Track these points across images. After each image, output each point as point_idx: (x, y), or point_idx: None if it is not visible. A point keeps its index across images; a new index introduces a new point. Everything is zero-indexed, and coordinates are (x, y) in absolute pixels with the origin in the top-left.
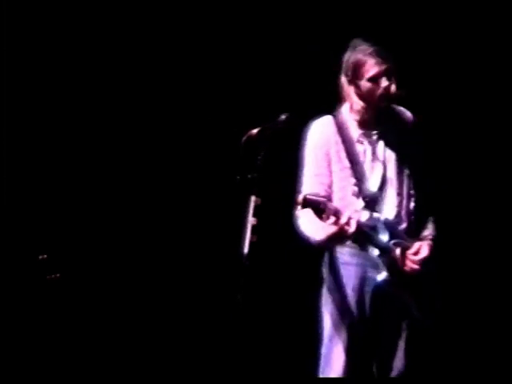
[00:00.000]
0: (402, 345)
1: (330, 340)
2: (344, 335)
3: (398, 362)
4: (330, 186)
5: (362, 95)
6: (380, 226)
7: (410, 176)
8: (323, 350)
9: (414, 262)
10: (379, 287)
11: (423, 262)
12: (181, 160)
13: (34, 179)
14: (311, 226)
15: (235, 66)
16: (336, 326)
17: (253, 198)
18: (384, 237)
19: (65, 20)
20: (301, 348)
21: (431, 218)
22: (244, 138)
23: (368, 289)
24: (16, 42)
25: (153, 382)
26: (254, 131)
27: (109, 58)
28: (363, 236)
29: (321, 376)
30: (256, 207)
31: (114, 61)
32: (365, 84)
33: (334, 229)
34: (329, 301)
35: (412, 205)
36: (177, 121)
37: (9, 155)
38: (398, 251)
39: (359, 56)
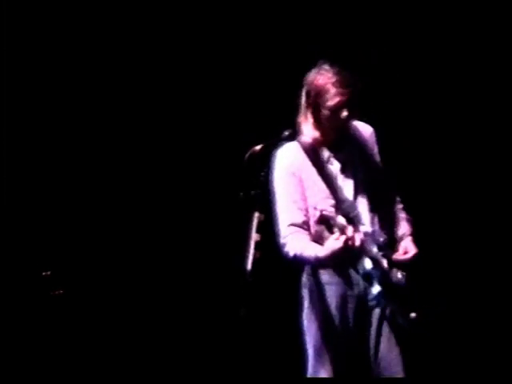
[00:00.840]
0: (394, 357)
1: (316, 360)
2: (329, 354)
3: (394, 371)
4: (307, 211)
5: (319, 121)
6: (369, 239)
7: (379, 188)
8: (309, 371)
9: (405, 260)
10: (371, 301)
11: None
12: (185, 176)
13: (38, 197)
14: (310, 247)
15: (239, 82)
16: (320, 346)
17: (256, 215)
18: (374, 248)
19: (65, 20)
20: (304, 362)
21: (401, 217)
22: (247, 155)
23: (351, 305)
24: (16, 42)
25: None
26: (258, 148)
27: (113, 72)
28: (362, 249)
29: None
30: (259, 223)
31: (119, 79)
32: (324, 112)
33: (339, 244)
34: (312, 321)
35: (382, 222)
36: (181, 137)
37: (12, 171)
38: (385, 262)
39: (322, 82)
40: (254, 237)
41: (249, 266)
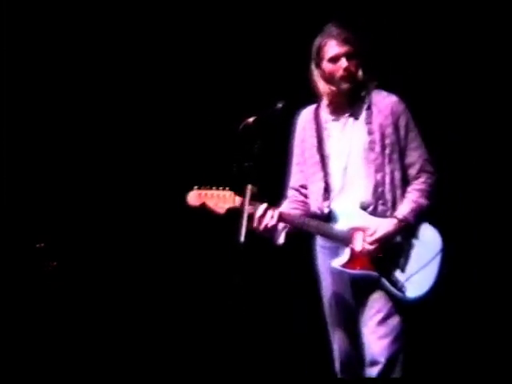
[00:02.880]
0: (374, 324)
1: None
2: (334, 313)
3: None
4: None
5: (325, 77)
6: (336, 216)
7: (383, 158)
8: None
9: (368, 242)
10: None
11: (383, 242)
12: (177, 148)
13: (32, 169)
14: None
15: (232, 54)
16: (325, 307)
17: (249, 187)
18: (340, 225)
19: (65, 20)
20: (295, 331)
21: (407, 197)
22: (240, 127)
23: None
24: (16, 42)
25: (150, 364)
26: (251, 119)
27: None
28: (310, 229)
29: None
30: (252, 195)
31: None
32: (326, 65)
33: (255, 221)
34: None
35: (382, 188)
36: (173, 110)
37: (7, 146)
38: (357, 236)
39: (322, 38)
40: (247, 209)
41: (242, 238)
